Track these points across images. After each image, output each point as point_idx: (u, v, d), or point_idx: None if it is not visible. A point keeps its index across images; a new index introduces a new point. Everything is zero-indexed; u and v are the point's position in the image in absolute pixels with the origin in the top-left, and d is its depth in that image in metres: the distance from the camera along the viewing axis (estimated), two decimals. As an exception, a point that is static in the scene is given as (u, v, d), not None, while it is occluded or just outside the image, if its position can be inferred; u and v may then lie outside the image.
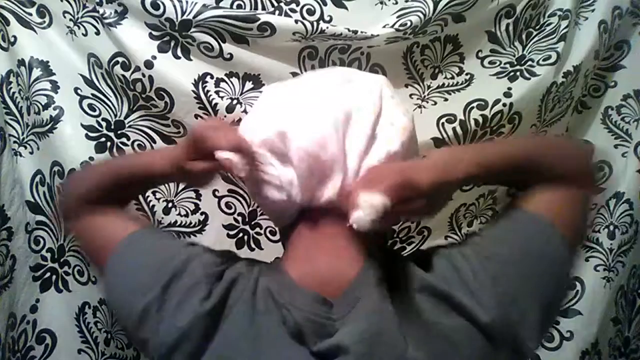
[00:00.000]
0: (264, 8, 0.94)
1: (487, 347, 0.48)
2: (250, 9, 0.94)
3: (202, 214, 1.01)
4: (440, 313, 0.49)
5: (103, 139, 0.98)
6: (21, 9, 0.95)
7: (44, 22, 0.97)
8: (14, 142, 1.00)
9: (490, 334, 0.48)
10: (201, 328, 0.50)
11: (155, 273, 0.53)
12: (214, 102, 0.93)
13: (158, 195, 1.00)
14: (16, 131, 1.00)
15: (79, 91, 0.97)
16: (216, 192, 1.00)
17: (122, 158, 0.70)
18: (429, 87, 0.99)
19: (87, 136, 0.97)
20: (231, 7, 0.93)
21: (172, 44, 0.91)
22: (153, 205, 1.00)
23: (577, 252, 0.59)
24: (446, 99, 0.98)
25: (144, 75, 0.92)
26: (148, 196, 0.99)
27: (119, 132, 0.99)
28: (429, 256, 0.54)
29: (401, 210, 0.50)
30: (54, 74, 0.96)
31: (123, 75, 0.93)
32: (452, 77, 0.99)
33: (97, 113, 0.98)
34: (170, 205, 1.01)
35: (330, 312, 0.50)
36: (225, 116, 0.93)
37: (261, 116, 0.59)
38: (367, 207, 0.48)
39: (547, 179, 0.56)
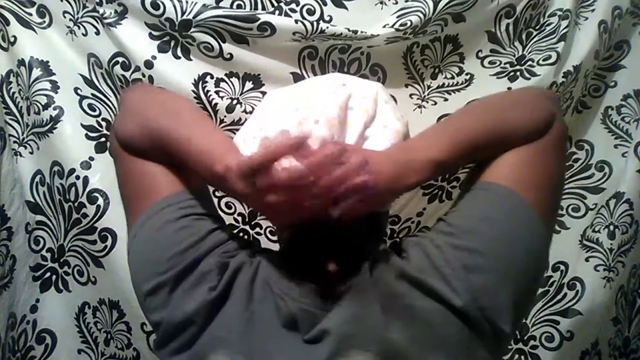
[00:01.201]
0: (264, 8, 0.94)
1: (465, 330, 0.50)
2: (250, 9, 0.94)
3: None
4: (417, 298, 0.51)
5: (103, 139, 0.98)
6: (21, 9, 0.95)
7: (44, 22, 0.97)
8: (14, 142, 1.00)
9: (465, 317, 0.49)
10: (205, 313, 0.53)
11: (176, 257, 0.55)
12: (214, 102, 0.93)
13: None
14: (16, 131, 1.00)
15: (79, 91, 0.97)
16: (216, 192, 1.00)
17: (172, 120, 0.59)
18: (429, 87, 0.99)
19: (87, 136, 0.97)
20: (231, 7, 0.93)
21: (172, 44, 0.91)
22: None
23: (550, 221, 0.58)
24: (446, 99, 0.98)
25: (144, 75, 0.92)
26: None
27: (119, 132, 0.99)
28: (405, 246, 0.56)
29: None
30: (54, 74, 0.96)
31: (123, 75, 0.93)
32: (452, 77, 0.99)
33: (97, 113, 0.98)
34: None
35: (323, 303, 0.53)
36: (225, 116, 0.94)
37: (259, 122, 0.63)
38: None
39: (511, 146, 0.57)
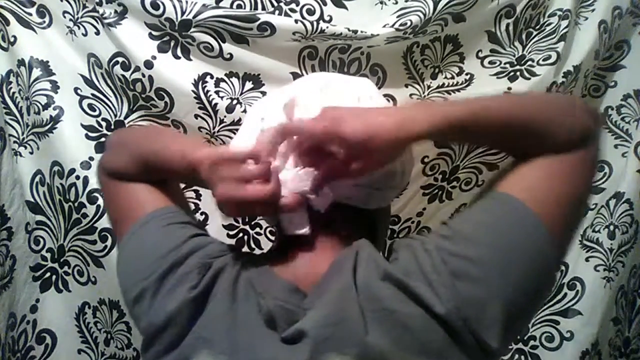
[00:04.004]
0: (264, 8, 0.94)
1: (447, 339, 0.48)
2: (250, 9, 0.94)
3: (202, 213, 1.01)
4: (399, 301, 0.49)
5: (103, 139, 0.98)
6: (21, 9, 0.95)
7: (44, 22, 0.97)
8: (14, 142, 1.00)
9: (447, 326, 0.47)
10: (187, 313, 0.53)
11: (158, 261, 0.57)
12: (213, 102, 0.93)
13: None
14: (16, 131, 1.00)
15: (79, 91, 0.97)
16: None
17: (152, 140, 0.66)
18: (429, 87, 0.99)
19: (87, 136, 0.97)
20: (231, 7, 0.93)
21: (172, 44, 0.91)
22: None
23: (562, 242, 0.54)
24: (446, 99, 0.98)
25: (143, 75, 0.92)
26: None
27: (119, 132, 0.99)
28: (397, 247, 0.55)
29: (334, 172, 0.55)
30: (54, 74, 0.96)
31: (123, 75, 0.93)
32: (452, 77, 0.99)
33: (97, 113, 0.98)
34: (170, 205, 1.00)
35: (302, 301, 0.53)
36: (225, 116, 0.94)
37: (246, 129, 0.64)
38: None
39: (539, 147, 0.53)
